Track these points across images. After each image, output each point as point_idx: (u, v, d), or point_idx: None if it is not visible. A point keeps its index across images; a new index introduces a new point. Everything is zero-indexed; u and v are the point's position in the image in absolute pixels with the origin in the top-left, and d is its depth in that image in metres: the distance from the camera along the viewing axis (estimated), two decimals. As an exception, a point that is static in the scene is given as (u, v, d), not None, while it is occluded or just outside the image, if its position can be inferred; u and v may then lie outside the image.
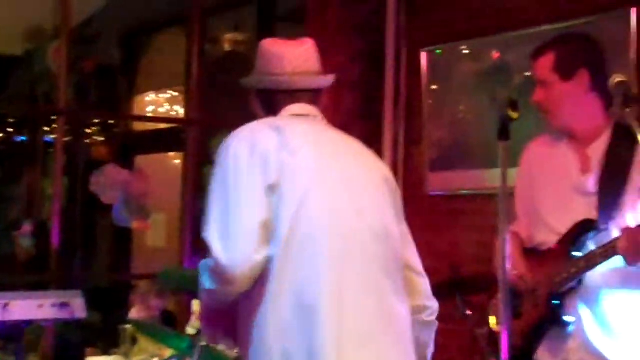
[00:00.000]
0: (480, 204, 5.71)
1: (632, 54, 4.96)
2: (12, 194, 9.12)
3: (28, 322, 4.22)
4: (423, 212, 6.09)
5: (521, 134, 2.85)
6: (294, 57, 2.96)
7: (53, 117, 7.29)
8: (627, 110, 2.77)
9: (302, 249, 2.60)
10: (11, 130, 9.25)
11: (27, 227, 7.40)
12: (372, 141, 5.84)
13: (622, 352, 3.19)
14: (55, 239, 5.56)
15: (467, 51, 6.03)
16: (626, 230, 2.96)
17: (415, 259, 2.98)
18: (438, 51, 6.12)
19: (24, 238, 7.38)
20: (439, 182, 6.03)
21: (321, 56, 6.12)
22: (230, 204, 2.64)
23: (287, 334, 2.57)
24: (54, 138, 7.32)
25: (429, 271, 5.63)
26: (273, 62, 2.93)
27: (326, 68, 6.09)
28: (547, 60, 3.32)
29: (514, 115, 2.72)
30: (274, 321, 2.60)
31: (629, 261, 2.96)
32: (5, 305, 4.02)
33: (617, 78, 2.85)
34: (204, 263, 2.71)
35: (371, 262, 2.69)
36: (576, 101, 3.29)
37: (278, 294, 2.59)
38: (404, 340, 2.73)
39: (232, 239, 2.60)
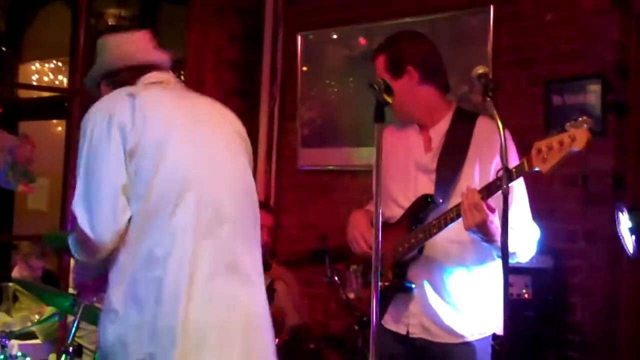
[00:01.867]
0: (348, 179, 5.79)
1: (489, 47, 5.09)
2: None
3: None
4: (295, 186, 6.15)
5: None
6: (133, 40, 2.95)
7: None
8: (488, 99, 2.83)
9: (160, 205, 2.63)
10: None
11: None
12: (249, 117, 5.86)
13: (458, 317, 3.26)
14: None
15: (335, 36, 6.09)
16: (463, 193, 3.03)
17: None
18: (310, 36, 6.16)
19: None
20: (310, 158, 6.07)
21: (203, 36, 6.12)
22: (91, 175, 2.66)
23: (138, 283, 2.62)
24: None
25: (300, 240, 5.74)
26: (117, 48, 2.93)
27: (208, 47, 6.10)
28: (380, 63, 3.38)
29: (389, 99, 2.73)
30: (128, 272, 2.64)
31: (466, 223, 3.01)
32: None
33: (479, 69, 2.88)
34: (72, 237, 2.72)
35: (226, 218, 2.74)
36: (410, 95, 3.33)
37: (135, 248, 2.63)
38: (254, 289, 2.82)
39: (95, 208, 2.63)
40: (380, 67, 3.37)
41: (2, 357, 4.45)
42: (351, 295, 3.67)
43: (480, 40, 5.11)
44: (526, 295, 4.39)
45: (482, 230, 3.00)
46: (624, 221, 3.78)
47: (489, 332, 3.26)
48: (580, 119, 2.76)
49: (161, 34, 7.30)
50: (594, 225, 4.54)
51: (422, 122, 3.40)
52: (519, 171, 2.92)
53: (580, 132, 2.75)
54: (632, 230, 3.73)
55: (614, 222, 3.95)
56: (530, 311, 4.38)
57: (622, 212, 3.80)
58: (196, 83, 6.00)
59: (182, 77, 5.87)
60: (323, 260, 4.62)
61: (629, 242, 3.77)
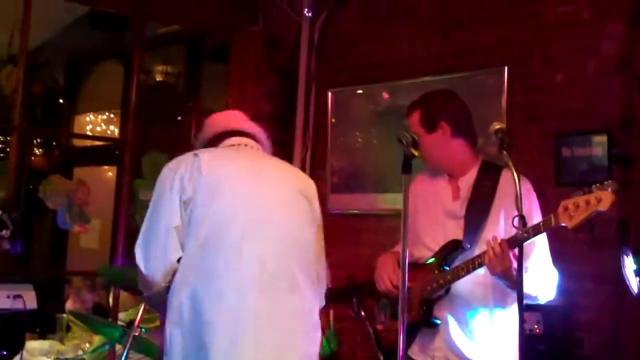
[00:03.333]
0: (373, 222, 5.81)
1: (504, 103, 5.13)
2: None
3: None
4: (324, 228, 6.14)
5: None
6: (226, 114, 3.28)
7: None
8: (504, 152, 2.87)
9: (208, 245, 2.69)
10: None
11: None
12: (284, 166, 5.92)
13: (479, 351, 3.27)
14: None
15: (361, 92, 6.15)
16: (489, 242, 3.06)
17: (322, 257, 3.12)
18: (340, 92, 6.23)
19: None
20: (338, 203, 6.09)
21: (242, 91, 6.20)
22: (152, 217, 2.80)
23: (182, 319, 2.67)
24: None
25: (330, 279, 5.73)
26: (213, 119, 3.16)
27: (246, 101, 6.17)
28: (414, 118, 3.39)
29: (416, 152, 2.78)
30: (174, 306, 2.70)
31: (492, 270, 3.05)
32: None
33: (496, 125, 2.93)
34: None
35: (266, 262, 2.75)
36: (442, 147, 3.37)
37: (181, 287, 2.68)
38: (300, 329, 2.82)
39: (149, 247, 2.74)
40: (414, 121, 3.39)
41: (58, 382, 4.50)
42: (379, 327, 3.69)
43: (495, 97, 5.15)
44: (538, 331, 4.37)
45: (506, 276, 3.03)
46: (629, 264, 3.78)
47: (508, 365, 3.26)
48: (605, 182, 2.82)
49: (204, 90, 7.46)
50: (600, 267, 4.53)
51: (452, 173, 3.43)
52: (546, 225, 2.96)
53: (606, 194, 2.80)
54: (637, 272, 3.74)
55: (618, 265, 3.95)
56: (541, 345, 4.37)
57: (627, 255, 3.80)
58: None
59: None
60: (350, 297, 4.64)
61: (633, 283, 3.77)
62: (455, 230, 3.32)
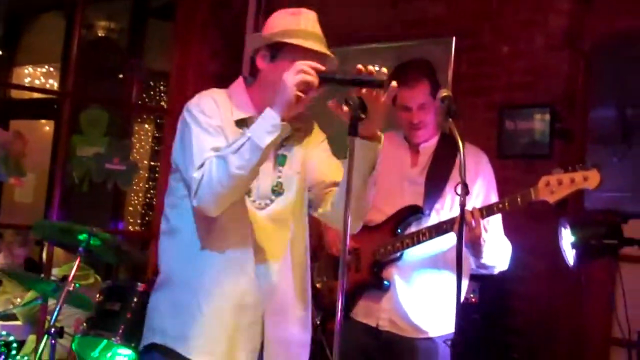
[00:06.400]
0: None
1: (450, 74, 5.14)
2: None
3: None
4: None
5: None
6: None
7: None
8: (450, 120, 2.85)
9: None
10: None
11: None
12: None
13: (424, 315, 3.30)
14: None
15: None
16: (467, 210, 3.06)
17: None
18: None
19: None
20: (280, 166, 6.05)
21: (187, 51, 6.09)
22: None
23: None
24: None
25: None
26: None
27: (191, 61, 6.06)
28: (425, 87, 3.33)
29: (363, 115, 2.73)
30: None
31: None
32: None
33: (443, 92, 2.89)
34: None
35: None
36: (433, 115, 3.39)
37: None
38: None
39: None
40: (424, 91, 3.32)
41: (-13, 335, 4.40)
42: (318, 285, 3.68)
43: (442, 67, 5.09)
44: (473, 300, 4.41)
45: (473, 244, 3.04)
46: (566, 236, 3.81)
47: (450, 331, 3.27)
48: (589, 164, 2.89)
49: (148, 48, 7.33)
50: (537, 239, 4.57)
51: (425, 140, 3.41)
52: (525, 198, 3.02)
53: (593, 174, 2.87)
54: (574, 245, 3.77)
55: (554, 237, 3.98)
56: (476, 314, 4.40)
57: (564, 227, 3.83)
58: (178, 95, 5.98)
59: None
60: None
61: (569, 255, 3.80)
62: (413, 196, 3.32)
